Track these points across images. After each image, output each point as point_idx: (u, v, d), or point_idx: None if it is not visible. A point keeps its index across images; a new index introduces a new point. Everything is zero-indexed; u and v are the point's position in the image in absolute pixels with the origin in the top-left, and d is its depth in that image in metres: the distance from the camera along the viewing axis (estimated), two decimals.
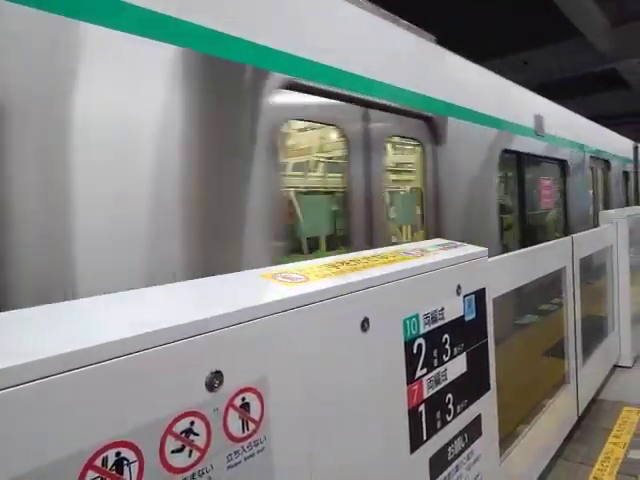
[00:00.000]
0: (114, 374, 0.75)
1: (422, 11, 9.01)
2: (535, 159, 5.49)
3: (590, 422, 3.43)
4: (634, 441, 3.11)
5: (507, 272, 2.34)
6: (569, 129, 6.48)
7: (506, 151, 4.63)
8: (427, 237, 3.45)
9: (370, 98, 2.95)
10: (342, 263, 1.45)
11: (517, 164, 5.13)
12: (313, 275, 1.27)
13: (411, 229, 3.85)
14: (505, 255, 2.45)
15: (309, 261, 1.49)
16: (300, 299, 1.09)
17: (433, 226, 3.56)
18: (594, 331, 3.91)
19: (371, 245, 2.92)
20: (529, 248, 2.82)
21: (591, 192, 7.65)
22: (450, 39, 5.12)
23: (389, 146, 3.72)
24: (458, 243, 2.00)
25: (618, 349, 4.46)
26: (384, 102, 3.06)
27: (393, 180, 3.91)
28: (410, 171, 3.91)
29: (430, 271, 1.57)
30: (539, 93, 5.84)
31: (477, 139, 4.13)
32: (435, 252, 1.77)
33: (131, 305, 1.01)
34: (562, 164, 6.26)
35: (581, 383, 3.35)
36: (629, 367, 4.43)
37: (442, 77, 3.78)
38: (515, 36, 11.34)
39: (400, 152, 4.11)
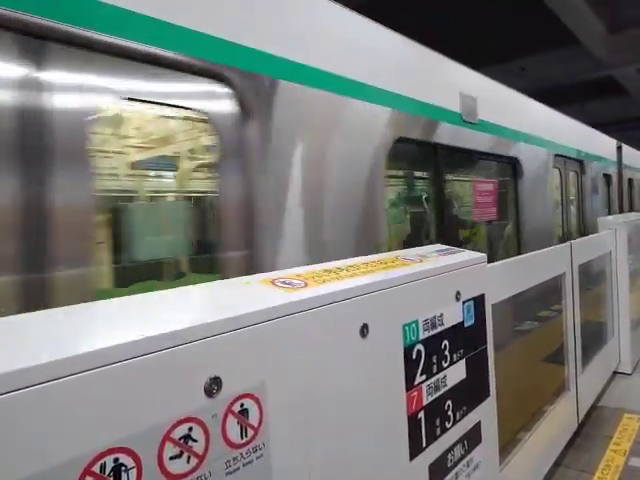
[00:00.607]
0: (112, 380, 0.75)
1: (421, 18, 9.10)
2: (465, 155, 4.09)
3: (590, 429, 3.42)
4: (634, 448, 3.09)
5: (506, 278, 2.34)
6: (523, 119, 5.06)
7: (404, 141, 3.19)
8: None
9: (59, 26, 1.57)
10: (341, 269, 1.45)
11: (433, 161, 3.69)
12: (312, 281, 1.27)
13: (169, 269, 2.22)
14: (504, 261, 2.45)
15: (308, 267, 1.48)
16: (299, 305, 1.09)
17: (238, 260, 2.12)
18: (594, 337, 3.90)
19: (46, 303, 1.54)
20: (528, 254, 2.82)
21: (559, 199, 6.30)
22: (448, 46, 5.16)
23: (143, 118, 2.20)
24: (457, 249, 2.00)
25: (618, 355, 4.45)
26: (101, 38, 1.67)
27: (168, 178, 2.45)
28: (204, 164, 2.35)
29: (429, 277, 1.57)
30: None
31: (338, 117, 2.66)
32: (434, 258, 1.77)
33: (123, 312, 1.01)
34: (512, 163, 4.85)
35: (581, 390, 3.34)
36: (629, 374, 4.42)
37: (267, 19, 2.30)
38: (512, 42, 11.43)
39: (198, 134, 2.33)
